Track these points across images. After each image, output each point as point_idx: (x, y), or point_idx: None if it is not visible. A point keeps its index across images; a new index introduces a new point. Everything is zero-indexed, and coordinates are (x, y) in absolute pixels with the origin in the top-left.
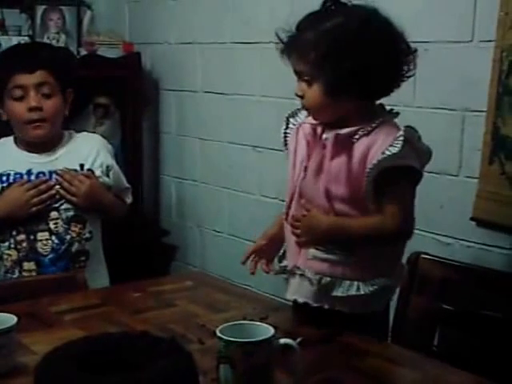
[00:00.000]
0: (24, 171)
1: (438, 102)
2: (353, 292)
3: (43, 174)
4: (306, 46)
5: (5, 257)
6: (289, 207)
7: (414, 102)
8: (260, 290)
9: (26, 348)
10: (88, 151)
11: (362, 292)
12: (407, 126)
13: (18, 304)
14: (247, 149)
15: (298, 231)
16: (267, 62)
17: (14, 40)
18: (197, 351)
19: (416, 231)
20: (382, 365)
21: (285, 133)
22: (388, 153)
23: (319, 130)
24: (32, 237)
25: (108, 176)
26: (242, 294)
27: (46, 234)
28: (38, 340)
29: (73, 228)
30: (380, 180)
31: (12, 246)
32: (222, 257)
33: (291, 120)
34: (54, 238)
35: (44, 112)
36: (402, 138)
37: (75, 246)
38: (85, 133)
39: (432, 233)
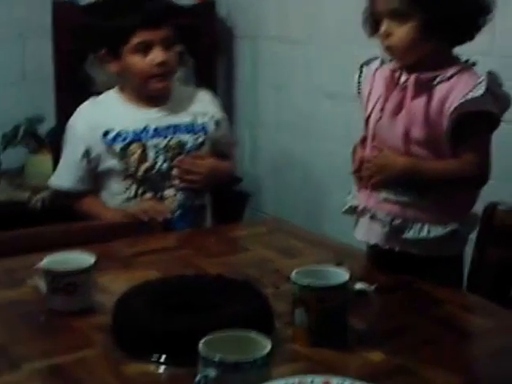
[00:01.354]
0: (141, 127)
1: None
2: (423, 234)
3: (160, 128)
4: None
5: None
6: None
7: (492, 51)
8: (334, 236)
9: (103, 287)
10: (198, 105)
11: (433, 235)
12: (489, 72)
13: (95, 245)
14: (321, 96)
15: (369, 172)
16: (343, 8)
17: None
18: (271, 295)
19: (493, 182)
20: (457, 312)
21: (358, 81)
22: (470, 97)
23: (397, 74)
24: (159, 195)
25: (219, 129)
26: (317, 240)
27: (171, 191)
28: (115, 280)
29: None
30: (459, 124)
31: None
32: (295, 204)
33: (365, 68)
34: (179, 194)
35: (168, 66)
36: (484, 83)
37: (197, 201)
38: (190, 86)
39: (509, 183)
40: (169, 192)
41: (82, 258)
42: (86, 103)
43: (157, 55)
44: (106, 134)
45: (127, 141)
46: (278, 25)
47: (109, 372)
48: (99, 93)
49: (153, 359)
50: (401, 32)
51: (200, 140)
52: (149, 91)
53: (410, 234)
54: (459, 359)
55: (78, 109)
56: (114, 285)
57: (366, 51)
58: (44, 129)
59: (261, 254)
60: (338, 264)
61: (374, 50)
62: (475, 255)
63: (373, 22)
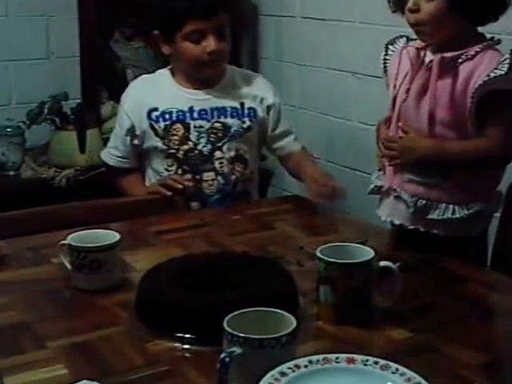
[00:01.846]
0: (186, 108)
1: None
2: (448, 215)
3: (204, 111)
4: None
5: None
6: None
7: None
8: (357, 215)
9: (127, 265)
10: (249, 88)
11: (458, 215)
12: None
13: (119, 223)
14: (346, 75)
15: (393, 152)
16: None
17: None
18: (296, 273)
19: None
20: (481, 291)
21: (384, 59)
22: (493, 75)
23: (423, 53)
24: (198, 177)
25: (268, 114)
26: (341, 218)
27: (211, 174)
28: (140, 258)
29: (237, 168)
30: (483, 103)
31: None
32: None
33: (390, 47)
34: (219, 178)
35: (220, 54)
36: (507, 61)
37: (239, 187)
38: (245, 70)
39: None
40: (208, 175)
41: (106, 236)
42: (137, 80)
43: (209, 44)
44: (150, 112)
45: (171, 120)
46: (302, 3)
47: (133, 349)
48: (124, 70)
49: (177, 337)
50: (429, 7)
51: (246, 125)
52: (199, 75)
53: (434, 215)
54: (483, 337)
55: (129, 85)
56: (139, 262)
57: (392, 29)
58: (69, 106)
59: (285, 232)
60: (362, 242)
61: (401, 28)
62: (499, 233)
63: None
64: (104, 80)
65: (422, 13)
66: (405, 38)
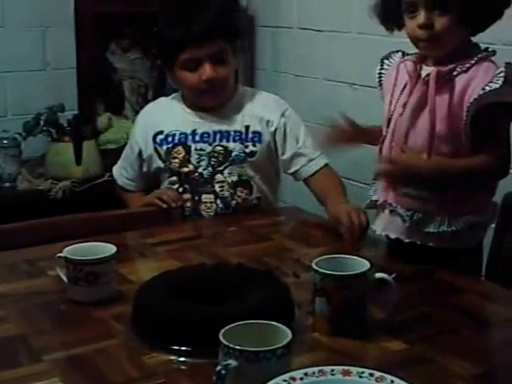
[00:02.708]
0: (189, 131)
1: None
2: (444, 228)
3: (207, 134)
4: None
5: None
6: (382, 143)
7: None
8: None
9: (123, 277)
10: (256, 111)
11: (454, 228)
12: (508, 63)
13: (114, 235)
14: (343, 86)
15: (393, 173)
16: None
17: None
18: (292, 284)
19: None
20: (477, 302)
21: (380, 73)
22: (488, 88)
23: (419, 67)
24: (196, 197)
25: (275, 140)
26: (336, 230)
27: (210, 197)
28: (135, 270)
29: (239, 193)
30: (478, 116)
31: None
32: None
33: (386, 61)
34: (218, 201)
35: (219, 80)
36: (502, 75)
37: (240, 212)
38: (258, 91)
39: None
40: (207, 197)
41: (102, 248)
42: (151, 103)
43: (204, 71)
44: (156, 135)
45: (173, 143)
46: (299, 14)
47: (129, 362)
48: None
49: (173, 349)
50: (443, 21)
51: (249, 150)
52: (199, 103)
53: (430, 228)
54: (479, 348)
55: (145, 106)
56: (134, 275)
57: (388, 40)
58: (65, 117)
59: (280, 243)
60: (357, 254)
61: (398, 39)
62: (494, 244)
63: (395, 15)
64: (100, 91)
65: (437, 28)
66: (400, 53)
